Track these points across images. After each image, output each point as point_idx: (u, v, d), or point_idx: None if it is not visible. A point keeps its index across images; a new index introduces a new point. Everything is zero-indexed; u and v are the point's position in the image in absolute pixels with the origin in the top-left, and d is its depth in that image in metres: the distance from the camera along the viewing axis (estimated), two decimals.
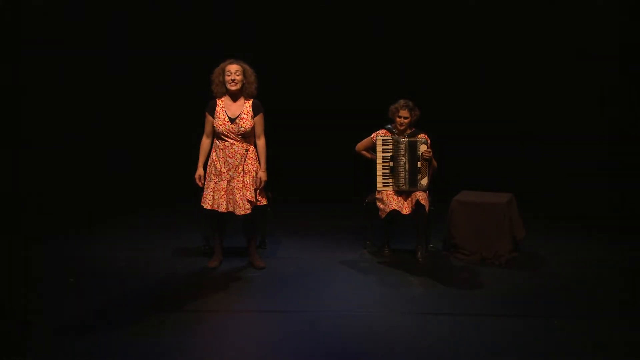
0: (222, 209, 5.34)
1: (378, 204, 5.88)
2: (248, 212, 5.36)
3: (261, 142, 5.48)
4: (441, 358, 3.91)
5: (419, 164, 5.76)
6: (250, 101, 5.44)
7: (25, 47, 7.86)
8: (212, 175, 5.40)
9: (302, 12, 9.07)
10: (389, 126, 5.96)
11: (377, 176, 5.88)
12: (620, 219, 7.52)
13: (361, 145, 6.05)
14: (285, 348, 4.00)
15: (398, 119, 5.85)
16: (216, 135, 5.43)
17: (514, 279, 5.44)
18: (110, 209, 7.78)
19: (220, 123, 5.38)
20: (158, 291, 5.02)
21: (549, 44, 8.91)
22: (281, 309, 4.65)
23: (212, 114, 5.42)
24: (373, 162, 5.97)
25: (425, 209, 5.72)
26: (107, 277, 5.29)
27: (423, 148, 5.77)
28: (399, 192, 5.83)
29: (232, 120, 5.38)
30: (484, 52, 9.00)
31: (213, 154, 5.45)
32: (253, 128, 5.42)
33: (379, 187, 5.88)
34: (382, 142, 5.86)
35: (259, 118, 5.44)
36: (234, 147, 5.40)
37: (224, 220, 5.55)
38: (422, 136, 5.91)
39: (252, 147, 5.47)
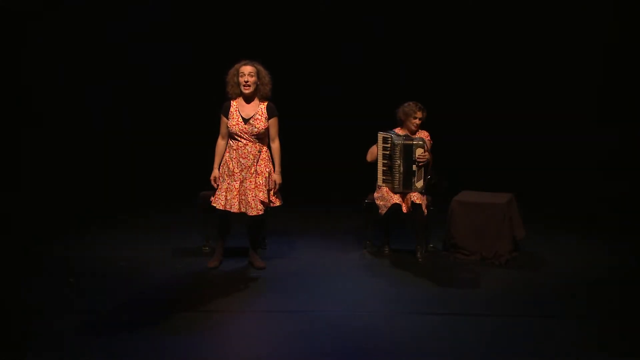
0: (235, 209, 5.33)
1: (378, 202, 5.88)
2: (260, 212, 5.35)
3: (276, 144, 5.49)
4: (441, 358, 3.91)
5: (414, 167, 5.76)
6: (265, 103, 5.45)
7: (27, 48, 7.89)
8: (225, 176, 5.41)
9: (302, 12, 9.07)
10: (395, 131, 5.93)
11: (378, 172, 5.88)
12: (621, 219, 7.53)
13: (372, 154, 5.97)
14: (285, 348, 4.00)
15: (414, 121, 5.86)
16: (230, 135, 5.45)
17: (514, 279, 5.44)
18: (110, 209, 7.78)
19: (234, 123, 5.39)
20: (158, 291, 5.01)
21: (549, 44, 8.91)
22: (281, 309, 4.65)
23: (227, 115, 5.43)
24: (371, 162, 5.99)
25: (421, 208, 5.71)
26: (107, 277, 5.29)
27: (419, 152, 5.75)
28: (390, 193, 5.82)
29: (246, 121, 5.38)
30: (482, 52, 9.00)
31: (226, 154, 5.46)
32: (266, 130, 5.43)
33: (379, 182, 5.88)
34: (382, 140, 5.86)
35: (274, 121, 5.45)
36: (247, 147, 5.40)
37: (230, 220, 5.54)
38: (424, 134, 5.92)
39: (265, 148, 5.47)
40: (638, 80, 8.57)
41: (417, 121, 5.87)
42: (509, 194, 6.18)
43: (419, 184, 5.77)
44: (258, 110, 5.42)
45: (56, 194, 7.71)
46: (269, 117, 5.43)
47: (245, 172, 5.38)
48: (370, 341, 4.11)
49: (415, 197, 5.70)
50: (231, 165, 5.41)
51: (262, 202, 5.36)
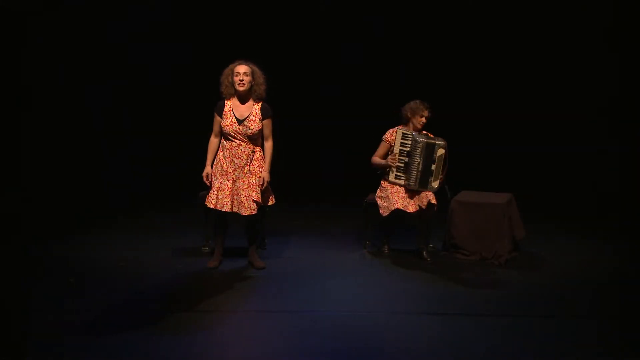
0: (226, 208, 5.33)
1: (380, 201, 5.87)
2: (254, 212, 5.35)
3: (269, 144, 5.49)
4: (441, 358, 3.91)
5: (433, 166, 5.76)
6: (260, 104, 5.45)
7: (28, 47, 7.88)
8: (218, 175, 5.41)
9: (302, 12, 9.07)
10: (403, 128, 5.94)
11: (389, 169, 5.87)
12: (621, 219, 7.53)
13: (378, 156, 5.95)
14: (285, 348, 4.00)
15: (420, 119, 5.87)
16: (224, 135, 5.45)
17: (514, 279, 5.44)
18: (110, 209, 7.79)
19: (228, 124, 5.39)
20: (158, 291, 5.01)
21: (548, 45, 8.92)
22: (281, 309, 4.65)
23: (220, 115, 5.43)
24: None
25: (435, 208, 5.75)
26: (107, 277, 5.29)
27: (440, 152, 5.76)
28: (406, 190, 5.82)
29: (240, 122, 5.38)
30: (482, 52, 9.01)
31: (220, 153, 5.46)
32: (260, 131, 5.43)
33: (390, 178, 5.86)
34: (402, 137, 5.85)
35: (268, 122, 5.45)
36: (241, 147, 5.40)
37: (227, 220, 5.54)
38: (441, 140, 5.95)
39: (258, 149, 5.48)
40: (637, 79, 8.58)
41: (424, 120, 5.88)
42: (509, 194, 6.19)
43: (435, 183, 5.78)
44: (252, 111, 5.42)
45: (56, 194, 7.70)
46: (263, 118, 5.43)
47: (239, 172, 5.38)
48: (370, 341, 4.11)
49: (431, 197, 5.73)
50: (224, 164, 5.41)
51: (255, 202, 5.35)
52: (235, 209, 5.35)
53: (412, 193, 5.81)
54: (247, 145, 5.42)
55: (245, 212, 5.33)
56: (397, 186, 5.85)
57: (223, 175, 5.39)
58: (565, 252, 6.25)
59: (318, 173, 9.09)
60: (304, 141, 9.03)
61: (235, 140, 5.41)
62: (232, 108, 5.44)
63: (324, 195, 8.74)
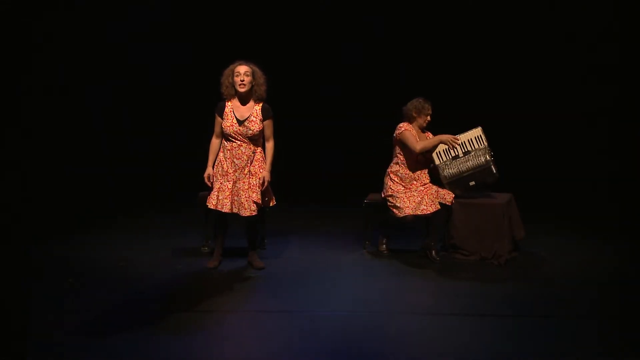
0: (226, 209, 5.32)
1: (392, 208, 5.87)
2: (254, 213, 5.34)
3: (270, 144, 5.48)
4: (441, 358, 3.91)
5: (471, 183, 5.82)
6: (260, 104, 5.44)
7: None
8: (218, 176, 5.40)
9: (301, 13, 9.08)
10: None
11: (440, 148, 5.88)
12: (620, 219, 7.53)
13: (421, 143, 5.87)
14: (285, 348, 4.00)
15: (426, 117, 5.90)
16: (224, 136, 5.44)
17: (513, 279, 5.44)
18: (110, 210, 7.79)
19: (229, 125, 5.38)
20: (158, 291, 5.01)
21: (547, 46, 8.92)
22: (280, 309, 4.64)
23: (221, 115, 5.43)
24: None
25: (450, 211, 5.85)
26: (107, 277, 5.28)
27: (490, 180, 5.83)
28: (417, 193, 5.82)
29: (240, 123, 5.37)
30: (483, 52, 9.01)
31: (221, 154, 5.45)
32: (261, 131, 5.42)
33: (435, 160, 5.88)
34: (478, 138, 5.85)
35: (269, 122, 5.44)
36: (241, 148, 5.40)
37: (227, 221, 5.54)
38: (428, 135, 5.96)
39: (259, 149, 5.47)
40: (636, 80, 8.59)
41: (429, 118, 5.92)
42: (509, 194, 6.18)
43: (458, 192, 5.89)
44: (253, 112, 5.41)
45: (56, 194, 7.71)
46: (264, 118, 5.42)
47: (239, 172, 5.38)
48: (370, 341, 4.10)
49: (452, 199, 5.83)
50: (225, 165, 5.41)
51: (255, 203, 5.35)
52: (235, 210, 5.34)
53: (424, 194, 5.80)
54: (247, 146, 5.41)
55: (245, 213, 5.32)
56: (412, 191, 5.85)
57: (223, 176, 5.39)
58: (565, 252, 6.25)
59: (318, 173, 9.09)
60: (304, 141, 9.03)
61: (236, 141, 5.41)
62: (233, 109, 5.43)
63: (324, 195, 8.74)
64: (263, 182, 5.38)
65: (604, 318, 4.54)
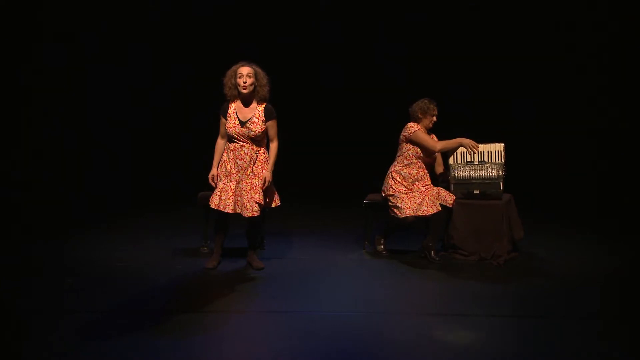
0: (229, 209, 5.32)
1: (393, 208, 5.87)
2: (256, 214, 5.33)
3: (274, 145, 5.47)
4: (441, 358, 3.91)
5: (476, 191, 5.89)
6: (263, 105, 5.43)
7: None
8: (222, 176, 5.41)
9: (302, 13, 9.09)
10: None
11: (458, 150, 5.97)
12: (620, 219, 7.53)
13: (442, 143, 5.96)
14: (285, 348, 4.00)
15: (432, 118, 5.93)
16: (228, 137, 5.44)
17: (513, 279, 5.44)
18: (109, 210, 7.79)
19: (231, 125, 5.38)
20: (157, 292, 5.01)
21: (547, 47, 8.93)
22: (280, 310, 4.64)
23: (225, 116, 5.43)
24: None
25: (450, 212, 5.87)
26: (105, 278, 5.28)
27: (493, 195, 5.88)
28: (418, 194, 5.82)
29: (243, 124, 5.37)
30: (482, 52, 9.02)
31: (225, 155, 5.45)
32: (264, 132, 5.42)
33: (450, 159, 5.97)
34: (496, 152, 5.95)
35: (272, 123, 5.43)
36: (244, 149, 5.39)
37: (229, 221, 5.53)
38: (432, 137, 5.96)
39: (262, 150, 5.46)
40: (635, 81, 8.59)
41: (435, 119, 5.95)
42: (508, 194, 6.18)
43: (460, 194, 5.93)
44: (255, 113, 5.40)
45: (56, 194, 7.71)
46: (267, 119, 5.41)
47: (242, 173, 5.37)
48: (370, 341, 4.10)
49: (452, 201, 5.86)
50: (228, 165, 5.40)
51: (258, 204, 5.34)
52: (238, 210, 5.34)
53: (425, 196, 5.81)
54: (250, 147, 5.41)
55: (247, 213, 5.32)
56: (413, 192, 5.85)
57: (227, 176, 5.39)
58: (565, 252, 6.25)
59: (318, 173, 9.10)
60: (304, 141, 9.03)
61: (239, 142, 5.40)
62: (236, 110, 5.43)
63: (324, 196, 8.74)
64: (264, 182, 5.38)
65: (604, 318, 4.54)
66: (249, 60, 5.42)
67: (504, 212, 5.94)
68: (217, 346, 4.05)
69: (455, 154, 6.02)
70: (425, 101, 5.93)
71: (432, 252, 5.88)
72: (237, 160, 5.39)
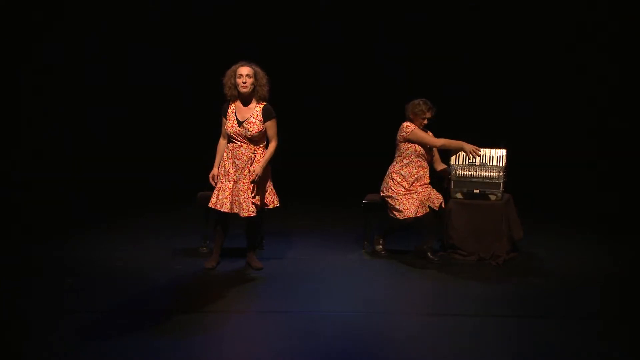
0: (225, 208, 5.32)
1: (392, 210, 5.87)
2: (252, 214, 5.32)
3: (272, 144, 5.43)
4: (441, 358, 3.91)
5: (476, 190, 5.92)
6: (262, 105, 5.41)
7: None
8: (220, 175, 5.40)
9: (302, 13, 9.09)
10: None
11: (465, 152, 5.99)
12: (619, 219, 7.52)
13: (443, 140, 5.99)
14: (284, 348, 4.00)
15: (422, 121, 5.93)
16: (228, 136, 5.44)
17: (512, 279, 5.44)
18: (109, 210, 7.78)
19: (230, 125, 5.38)
20: (156, 292, 5.01)
21: (547, 48, 8.93)
22: (279, 310, 4.64)
23: (225, 116, 5.43)
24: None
25: (438, 214, 5.88)
26: (106, 277, 5.28)
27: (492, 195, 5.89)
28: (416, 195, 5.82)
29: (240, 124, 5.36)
30: (482, 52, 9.02)
31: (225, 154, 5.45)
32: (262, 132, 5.41)
33: (452, 159, 6.04)
34: (498, 157, 6.04)
35: (271, 123, 5.40)
36: (242, 149, 5.39)
37: (227, 221, 5.52)
38: (428, 134, 5.96)
39: (261, 150, 5.43)
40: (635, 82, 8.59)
41: (426, 121, 5.94)
42: (507, 194, 6.17)
43: (459, 194, 5.97)
44: (253, 113, 5.39)
45: (56, 194, 7.71)
46: (265, 120, 5.39)
47: (239, 173, 5.36)
48: (370, 341, 4.10)
49: (440, 203, 5.85)
50: (227, 165, 5.40)
51: (255, 205, 5.34)
52: (235, 210, 5.33)
53: (421, 197, 5.81)
54: (247, 147, 5.40)
55: (243, 214, 5.31)
56: (412, 193, 5.84)
57: (225, 176, 5.38)
58: (565, 252, 6.25)
59: (318, 173, 9.09)
60: (304, 141, 9.02)
61: (237, 142, 5.40)
62: (235, 110, 5.42)
63: (324, 195, 8.73)
64: (254, 177, 5.31)
65: (604, 318, 4.54)
66: (248, 60, 5.41)
67: (504, 212, 5.94)
68: (217, 346, 4.05)
69: (457, 154, 6.07)
70: (420, 103, 5.91)
71: (429, 254, 5.87)
72: (235, 160, 5.38)
